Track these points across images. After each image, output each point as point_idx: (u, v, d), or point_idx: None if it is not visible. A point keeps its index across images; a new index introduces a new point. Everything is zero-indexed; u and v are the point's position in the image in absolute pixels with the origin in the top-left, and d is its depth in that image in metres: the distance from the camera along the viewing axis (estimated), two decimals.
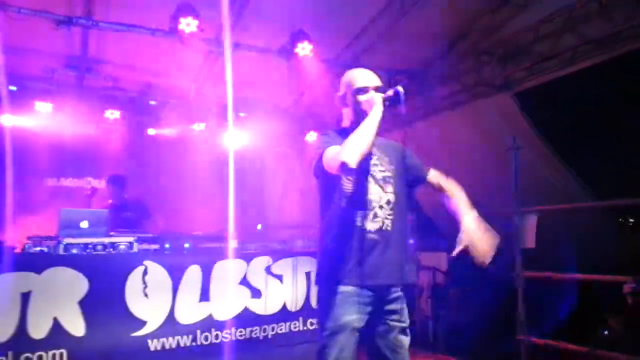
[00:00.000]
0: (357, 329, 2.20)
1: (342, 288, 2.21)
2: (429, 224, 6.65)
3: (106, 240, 4.12)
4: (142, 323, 4.00)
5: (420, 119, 6.20)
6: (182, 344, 4.14)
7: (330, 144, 2.27)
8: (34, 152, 6.32)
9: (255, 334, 4.50)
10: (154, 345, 4.02)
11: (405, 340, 2.33)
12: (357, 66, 2.54)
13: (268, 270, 4.66)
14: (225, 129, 7.08)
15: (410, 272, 2.37)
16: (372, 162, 2.34)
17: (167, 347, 4.08)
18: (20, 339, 3.53)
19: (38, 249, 3.98)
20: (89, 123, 6.62)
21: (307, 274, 4.84)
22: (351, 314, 2.19)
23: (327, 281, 2.28)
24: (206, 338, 4.26)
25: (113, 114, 6.37)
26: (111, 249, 4.12)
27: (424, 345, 5.68)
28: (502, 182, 4.77)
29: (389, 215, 2.30)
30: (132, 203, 5.68)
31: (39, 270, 3.67)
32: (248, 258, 4.60)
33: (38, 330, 3.59)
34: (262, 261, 4.65)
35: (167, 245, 4.49)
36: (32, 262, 3.75)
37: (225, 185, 7.61)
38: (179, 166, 7.35)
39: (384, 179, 2.34)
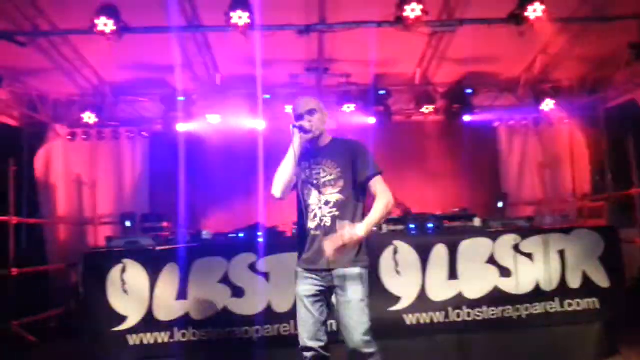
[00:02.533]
0: (308, 297, 2.78)
1: (298, 269, 2.88)
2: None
3: None
4: (397, 299, 4.26)
5: None
6: (435, 320, 4.29)
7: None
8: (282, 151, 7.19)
9: (508, 313, 4.37)
10: (409, 319, 4.26)
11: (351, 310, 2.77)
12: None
13: (516, 248, 4.47)
14: (455, 108, 7.01)
15: (347, 259, 2.73)
16: (314, 171, 2.84)
17: (421, 322, 4.27)
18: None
19: None
20: (330, 119, 7.23)
21: (561, 252, 4.49)
22: (300, 286, 2.82)
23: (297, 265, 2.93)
24: (458, 315, 4.32)
25: (349, 108, 6.84)
26: None
27: None
28: None
29: (328, 213, 2.78)
30: None
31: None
32: (494, 236, 4.49)
33: None
34: (508, 239, 4.48)
35: (412, 226, 4.69)
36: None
37: (459, 164, 7.57)
38: (412, 148, 7.58)
39: (324, 183, 2.82)
